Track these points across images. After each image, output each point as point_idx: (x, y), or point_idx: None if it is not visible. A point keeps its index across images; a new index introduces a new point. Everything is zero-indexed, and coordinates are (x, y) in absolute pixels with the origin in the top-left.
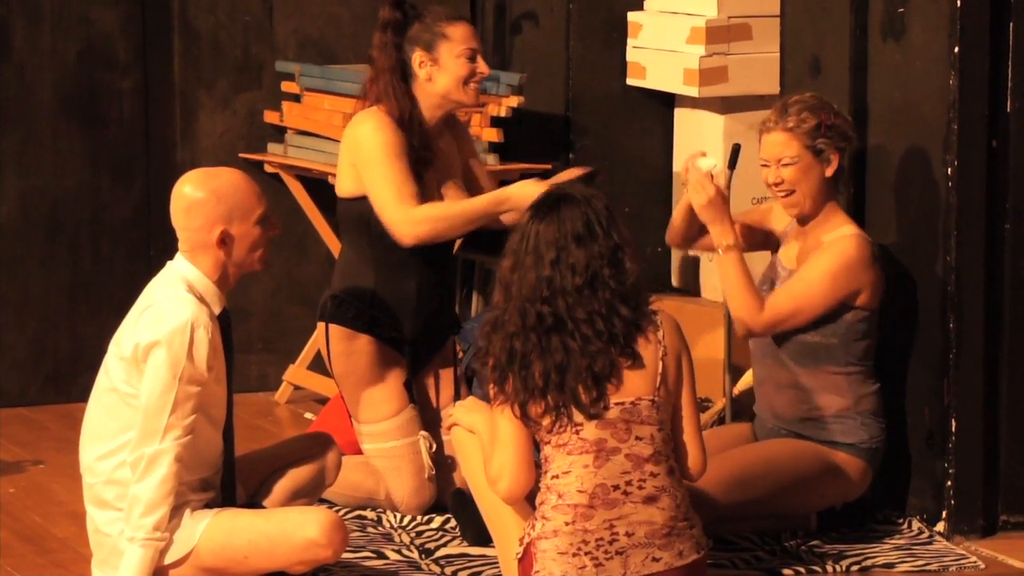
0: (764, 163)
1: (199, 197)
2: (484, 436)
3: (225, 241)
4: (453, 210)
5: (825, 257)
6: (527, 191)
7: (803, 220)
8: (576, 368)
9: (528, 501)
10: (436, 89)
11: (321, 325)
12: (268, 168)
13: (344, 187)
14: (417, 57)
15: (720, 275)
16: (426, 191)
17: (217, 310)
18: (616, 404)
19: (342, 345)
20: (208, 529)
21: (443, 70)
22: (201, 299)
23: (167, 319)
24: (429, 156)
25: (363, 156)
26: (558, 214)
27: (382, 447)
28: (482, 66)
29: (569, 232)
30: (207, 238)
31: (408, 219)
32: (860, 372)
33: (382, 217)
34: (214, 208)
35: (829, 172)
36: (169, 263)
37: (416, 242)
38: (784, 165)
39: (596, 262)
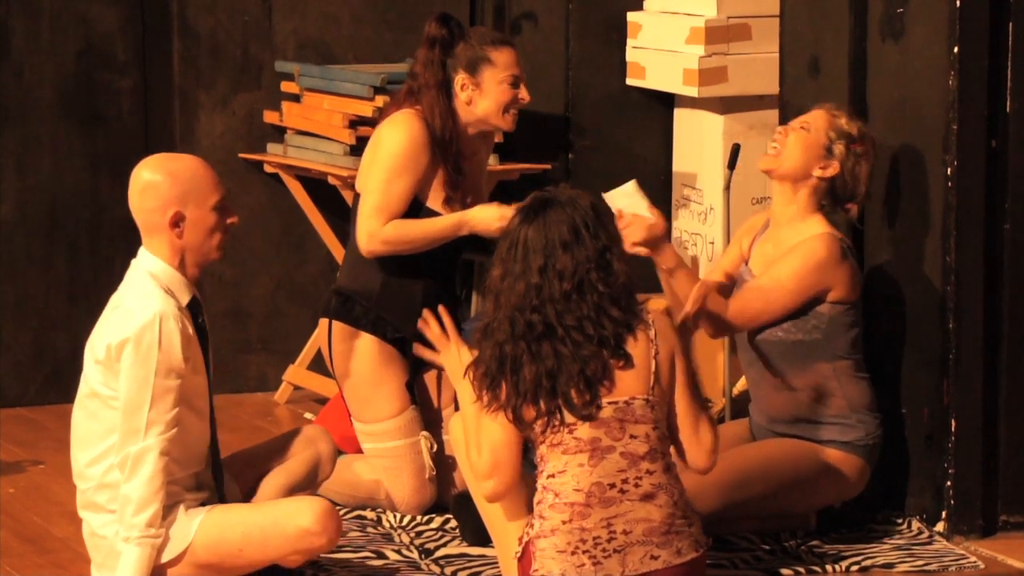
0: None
1: (155, 179)
2: (469, 430)
3: (178, 223)
4: (414, 233)
5: (794, 257)
6: (486, 215)
7: (779, 177)
8: (568, 373)
9: (523, 503)
10: (475, 112)
11: (324, 321)
12: (268, 168)
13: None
14: (460, 79)
15: (676, 294)
16: (453, 204)
17: (185, 300)
18: (609, 403)
19: (344, 343)
20: (202, 525)
21: (485, 95)
22: (168, 291)
23: (135, 316)
24: (460, 179)
25: (378, 155)
26: (544, 219)
27: (383, 447)
28: (523, 93)
29: (556, 238)
30: (160, 220)
31: (370, 233)
32: (849, 366)
33: (358, 218)
34: (168, 190)
35: (819, 172)
36: (133, 261)
37: (370, 257)
38: (800, 128)
39: (583, 267)
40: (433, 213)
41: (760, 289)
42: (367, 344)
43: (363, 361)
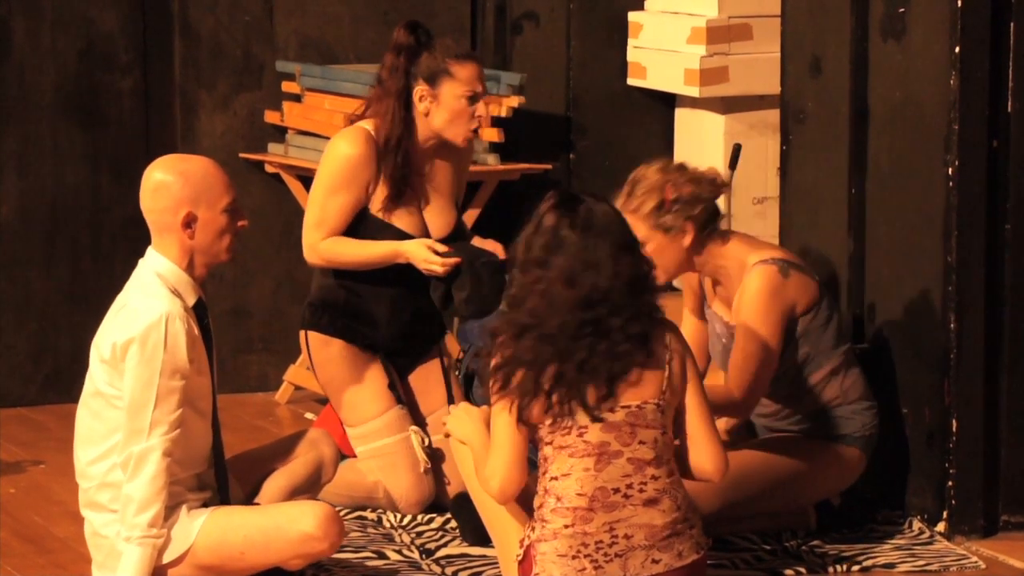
0: None
1: (167, 179)
2: (476, 446)
3: (190, 224)
4: (348, 255)
5: (747, 307)
6: (417, 252)
7: (704, 278)
8: (593, 367)
9: (524, 505)
10: (431, 124)
11: (302, 334)
12: (269, 168)
13: None
14: (419, 89)
15: None
16: (405, 212)
17: (191, 301)
18: (622, 407)
19: (321, 352)
20: (204, 526)
21: (442, 108)
22: (175, 291)
23: (141, 316)
24: (405, 188)
25: (320, 169)
26: (593, 222)
27: (374, 447)
28: (481, 109)
29: (616, 239)
30: (172, 220)
31: (310, 247)
32: (838, 361)
33: (302, 229)
34: (181, 190)
35: (687, 242)
36: (140, 260)
37: (311, 266)
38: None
39: (637, 267)
40: (379, 220)
41: (745, 357)
42: (342, 350)
43: (341, 367)
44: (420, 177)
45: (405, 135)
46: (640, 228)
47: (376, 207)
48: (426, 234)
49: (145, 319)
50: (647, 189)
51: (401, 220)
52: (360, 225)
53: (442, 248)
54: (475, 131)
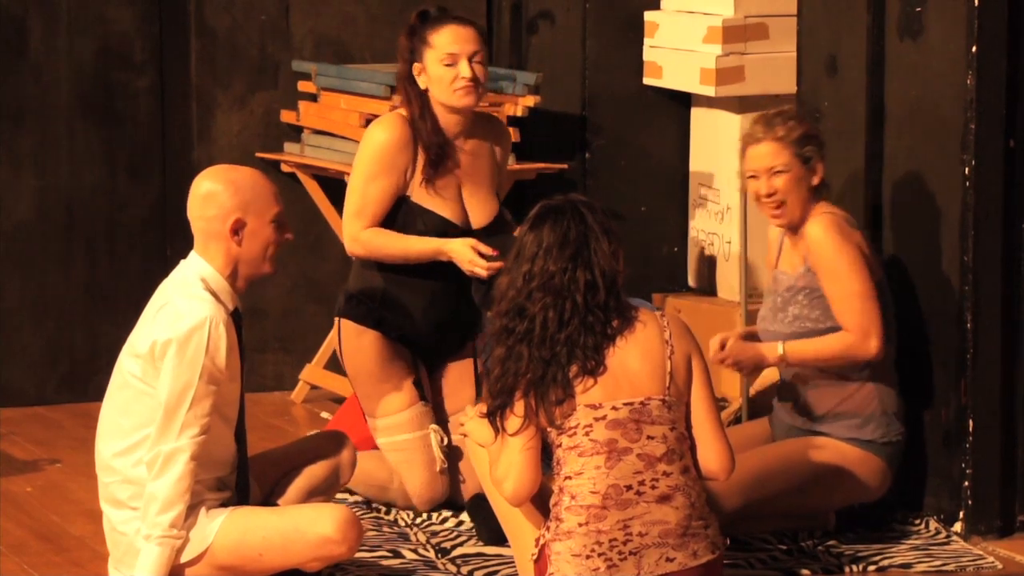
0: (753, 174)
1: (217, 188)
2: (493, 449)
3: (238, 231)
4: (391, 246)
5: (817, 248)
6: (461, 253)
7: (793, 228)
8: (570, 347)
9: (539, 504)
10: (434, 96)
11: (336, 320)
12: (285, 168)
13: None
14: (416, 67)
15: (804, 365)
16: (446, 199)
17: (230, 308)
18: (625, 404)
19: (352, 341)
20: (223, 527)
21: (432, 79)
22: (216, 297)
23: (185, 317)
24: (436, 171)
25: (357, 157)
26: (552, 223)
27: (394, 440)
28: (464, 70)
29: (598, 228)
30: (221, 228)
31: (351, 236)
32: (884, 367)
33: (342, 220)
34: (231, 198)
35: (816, 180)
36: (183, 262)
37: (351, 256)
38: (776, 173)
39: (604, 260)
40: (419, 207)
41: (842, 297)
42: (373, 341)
43: (369, 358)
44: (456, 159)
45: (425, 113)
46: (784, 154)
47: (415, 194)
48: (467, 222)
49: (189, 320)
50: (792, 118)
51: (442, 207)
52: (400, 213)
53: (486, 250)
54: (471, 91)
